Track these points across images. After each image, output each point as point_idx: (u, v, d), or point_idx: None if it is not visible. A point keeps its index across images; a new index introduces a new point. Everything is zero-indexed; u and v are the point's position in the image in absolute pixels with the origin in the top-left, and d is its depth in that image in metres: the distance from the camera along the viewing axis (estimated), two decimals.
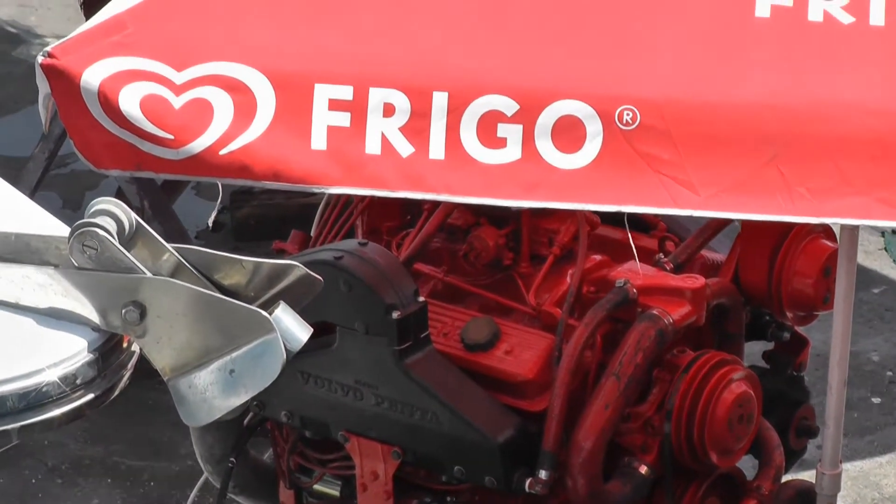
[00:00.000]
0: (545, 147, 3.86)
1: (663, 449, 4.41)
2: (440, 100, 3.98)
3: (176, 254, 2.47)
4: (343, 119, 4.08)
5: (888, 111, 3.91)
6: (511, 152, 3.92)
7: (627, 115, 3.83)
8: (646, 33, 4.23)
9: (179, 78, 4.20)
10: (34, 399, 2.39)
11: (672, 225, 5.06)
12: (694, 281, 4.59)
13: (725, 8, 4.24)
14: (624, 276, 4.59)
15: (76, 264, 2.46)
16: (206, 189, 7.29)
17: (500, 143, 3.93)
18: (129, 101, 4.14)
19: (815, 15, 4.09)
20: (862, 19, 4.16)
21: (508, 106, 3.98)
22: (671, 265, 4.82)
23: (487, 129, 3.89)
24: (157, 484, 6.97)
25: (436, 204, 4.59)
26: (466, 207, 4.53)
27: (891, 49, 4.11)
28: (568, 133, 3.86)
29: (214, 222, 7.28)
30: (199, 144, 4.07)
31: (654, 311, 4.47)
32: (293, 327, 2.39)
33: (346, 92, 4.06)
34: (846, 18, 4.13)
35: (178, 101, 4.18)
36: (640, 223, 4.91)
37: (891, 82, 4.02)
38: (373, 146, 4.02)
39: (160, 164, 4.17)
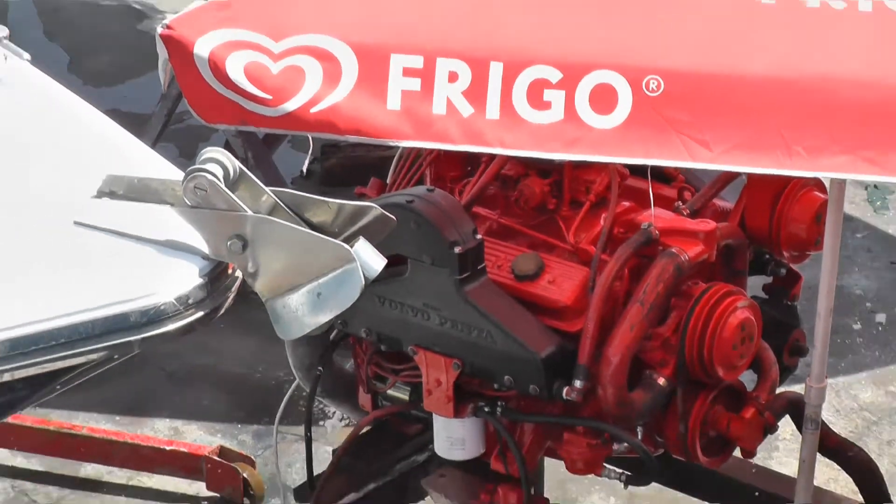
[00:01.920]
0: (584, 110, 3.86)
1: (678, 364, 4.43)
2: (496, 69, 3.99)
3: (273, 196, 2.42)
4: (414, 84, 4.10)
5: (872, 82, 3.90)
6: (555, 114, 3.90)
7: (653, 83, 3.85)
8: (670, 16, 4.27)
9: (277, 48, 4.21)
10: (153, 315, 2.35)
11: (689, 177, 5.07)
12: (707, 224, 4.65)
13: None
14: (648, 219, 4.57)
15: (189, 203, 2.42)
16: (299, 142, 7.47)
17: (546, 105, 3.91)
18: (235, 66, 4.16)
19: (812, 2, 4.15)
20: (852, 5, 4.22)
21: (553, 75, 3.96)
22: (688, 211, 4.92)
23: (535, 94, 3.91)
24: (257, 390, 7.05)
25: (492, 157, 4.58)
26: (517, 160, 4.52)
27: (876, 30, 4.17)
28: (603, 98, 3.86)
29: (307, 170, 7.44)
30: (293, 104, 4.08)
31: (673, 250, 4.48)
32: (370, 258, 2.36)
33: (417, 61, 4.09)
34: (839, 5, 4.19)
35: (275, 67, 4.19)
36: (663, 175, 4.92)
37: (874, 57, 4.06)
38: (439, 107, 4.00)
39: (261, 120, 4.20)
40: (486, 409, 4.45)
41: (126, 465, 6.55)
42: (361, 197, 4.55)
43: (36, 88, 3.66)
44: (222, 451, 6.28)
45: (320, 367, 4.85)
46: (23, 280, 2.43)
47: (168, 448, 6.43)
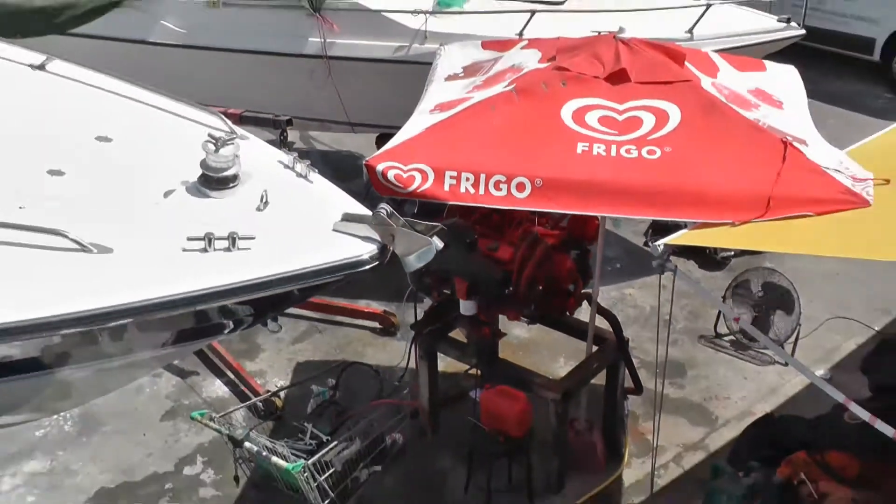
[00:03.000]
0: (525, 196, 5.53)
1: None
2: (496, 178, 5.58)
3: (402, 219, 4.49)
4: (469, 183, 5.63)
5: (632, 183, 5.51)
6: (526, 199, 5.56)
7: (538, 181, 5.52)
8: (550, 147, 5.72)
9: (406, 168, 5.73)
10: (367, 260, 4.44)
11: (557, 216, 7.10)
12: (555, 233, 6.99)
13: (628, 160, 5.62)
14: (536, 229, 6.92)
15: (378, 222, 4.44)
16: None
17: (521, 191, 5.56)
18: (385, 171, 5.76)
19: (649, 154, 5.63)
20: (666, 153, 5.62)
21: (526, 182, 5.57)
22: (549, 227, 7.08)
23: (516, 188, 5.57)
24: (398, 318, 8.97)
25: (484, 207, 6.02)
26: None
27: (667, 168, 5.55)
28: (519, 189, 5.57)
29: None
30: (411, 189, 5.67)
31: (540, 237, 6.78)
32: (436, 244, 4.42)
33: (471, 176, 5.64)
34: (656, 154, 5.63)
35: (405, 173, 5.71)
36: (543, 214, 6.88)
37: (664, 175, 5.49)
38: (469, 190, 5.66)
39: (397, 193, 5.67)
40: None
41: (342, 313, 9.03)
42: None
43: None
44: (385, 314, 9.02)
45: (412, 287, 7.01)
46: (326, 249, 4.43)
47: (366, 310, 9.11)
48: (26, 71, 6.04)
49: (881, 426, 4.65)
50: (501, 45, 7.28)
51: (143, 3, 9.81)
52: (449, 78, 6.96)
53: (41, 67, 6.07)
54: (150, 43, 9.77)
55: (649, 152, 5.58)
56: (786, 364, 8.00)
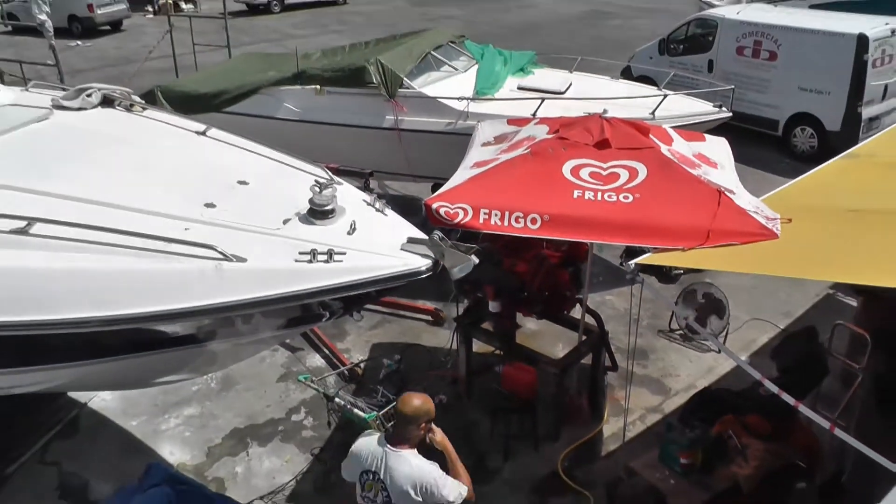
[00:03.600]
0: (538, 224, 5.51)
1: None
2: (516, 214, 5.57)
3: (448, 240, 4.47)
4: (496, 217, 5.64)
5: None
6: (537, 227, 5.56)
7: (546, 216, 5.50)
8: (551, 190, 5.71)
9: (453, 206, 5.73)
10: (423, 271, 4.41)
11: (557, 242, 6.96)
12: (556, 254, 7.09)
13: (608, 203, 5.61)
14: (541, 250, 7.09)
15: (434, 244, 4.43)
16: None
17: (533, 223, 5.55)
18: (444, 212, 5.76)
19: (624, 199, 5.59)
20: (637, 198, 5.57)
21: (537, 217, 5.55)
22: (554, 249, 7.12)
23: (530, 222, 5.55)
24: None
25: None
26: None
27: (637, 208, 5.52)
28: (532, 221, 5.56)
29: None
30: (457, 221, 5.68)
31: (546, 257, 6.98)
32: (474, 260, 4.41)
33: (497, 212, 5.65)
34: (629, 199, 5.61)
35: (452, 210, 5.72)
36: (553, 242, 6.79)
37: (636, 216, 5.45)
38: (497, 222, 5.64)
39: (446, 224, 5.62)
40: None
41: (405, 309, 8.92)
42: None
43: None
44: (436, 310, 8.96)
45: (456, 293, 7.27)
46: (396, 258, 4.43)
47: (422, 307, 8.97)
48: (193, 135, 6.25)
49: (786, 397, 4.63)
50: (521, 122, 7.31)
51: (272, 91, 10.02)
52: (484, 144, 6.98)
53: (203, 133, 6.24)
54: (277, 118, 9.90)
55: (624, 197, 5.58)
56: (719, 351, 7.92)
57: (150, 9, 29.99)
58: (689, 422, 5.91)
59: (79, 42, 24.31)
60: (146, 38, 23.20)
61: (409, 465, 4.41)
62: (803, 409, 4.64)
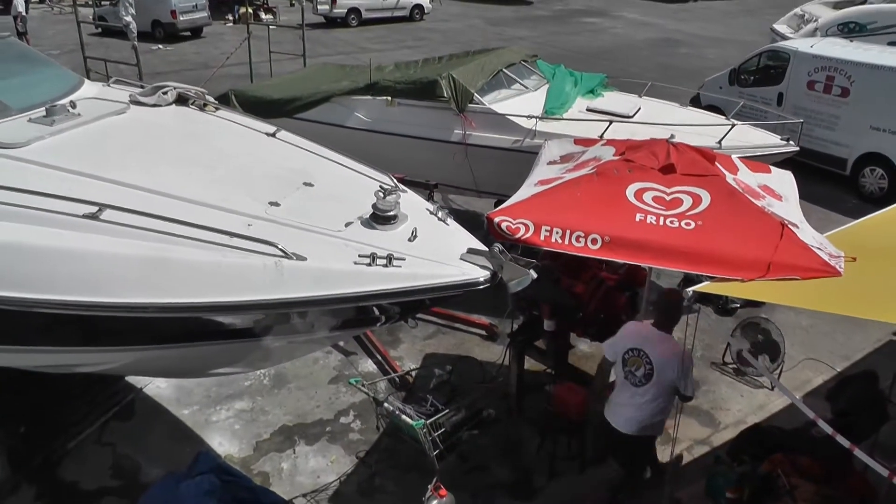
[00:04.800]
0: (600, 247, 5.49)
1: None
2: (577, 233, 5.56)
3: (509, 253, 4.50)
4: (558, 236, 5.62)
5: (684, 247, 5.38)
6: (596, 248, 5.53)
7: (607, 237, 5.48)
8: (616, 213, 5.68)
9: (514, 220, 5.73)
10: (482, 282, 4.41)
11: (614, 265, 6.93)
12: (613, 277, 7.04)
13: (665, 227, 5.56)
14: (601, 274, 7.12)
15: (493, 256, 4.47)
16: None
17: (594, 244, 5.55)
18: (506, 226, 5.77)
19: (686, 225, 5.55)
20: (699, 225, 5.55)
21: (597, 238, 5.54)
22: (612, 272, 7.06)
23: (590, 242, 5.52)
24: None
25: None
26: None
27: (698, 236, 5.46)
28: (593, 241, 5.52)
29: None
30: (514, 237, 5.66)
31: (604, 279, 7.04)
32: (532, 275, 4.40)
33: (559, 230, 5.63)
34: (691, 225, 5.60)
35: (513, 225, 5.72)
36: (609, 263, 6.58)
37: (691, 245, 5.40)
38: (557, 240, 5.63)
39: (506, 239, 5.62)
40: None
41: (460, 321, 8.90)
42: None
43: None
44: (490, 325, 8.86)
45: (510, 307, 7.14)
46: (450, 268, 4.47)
47: (477, 321, 8.90)
48: (262, 136, 6.37)
49: (840, 439, 4.52)
50: (588, 142, 7.28)
51: (343, 100, 10.09)
52: (549, 162, 6.96)
53: (273, 135, 6.33)
54: (347, 127, 9.96)
55: (686, 224, 5.54)
56: (772, 388, 7.74)
57: (230, 17, 30.65)
58: (738, 457, 5.82)
59: (160, 46, 24.92)
60: (225, 45, 23.68)
61: (675, 345, 5.48)
62: (859, 453, 4.52)
